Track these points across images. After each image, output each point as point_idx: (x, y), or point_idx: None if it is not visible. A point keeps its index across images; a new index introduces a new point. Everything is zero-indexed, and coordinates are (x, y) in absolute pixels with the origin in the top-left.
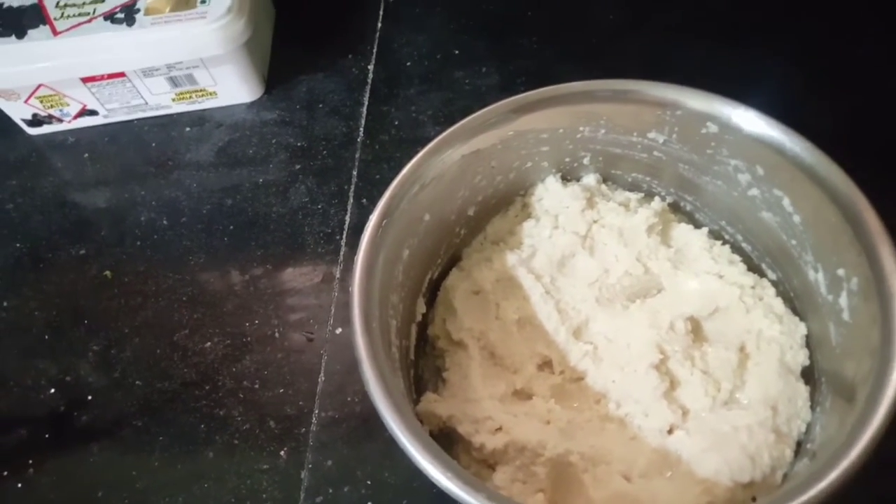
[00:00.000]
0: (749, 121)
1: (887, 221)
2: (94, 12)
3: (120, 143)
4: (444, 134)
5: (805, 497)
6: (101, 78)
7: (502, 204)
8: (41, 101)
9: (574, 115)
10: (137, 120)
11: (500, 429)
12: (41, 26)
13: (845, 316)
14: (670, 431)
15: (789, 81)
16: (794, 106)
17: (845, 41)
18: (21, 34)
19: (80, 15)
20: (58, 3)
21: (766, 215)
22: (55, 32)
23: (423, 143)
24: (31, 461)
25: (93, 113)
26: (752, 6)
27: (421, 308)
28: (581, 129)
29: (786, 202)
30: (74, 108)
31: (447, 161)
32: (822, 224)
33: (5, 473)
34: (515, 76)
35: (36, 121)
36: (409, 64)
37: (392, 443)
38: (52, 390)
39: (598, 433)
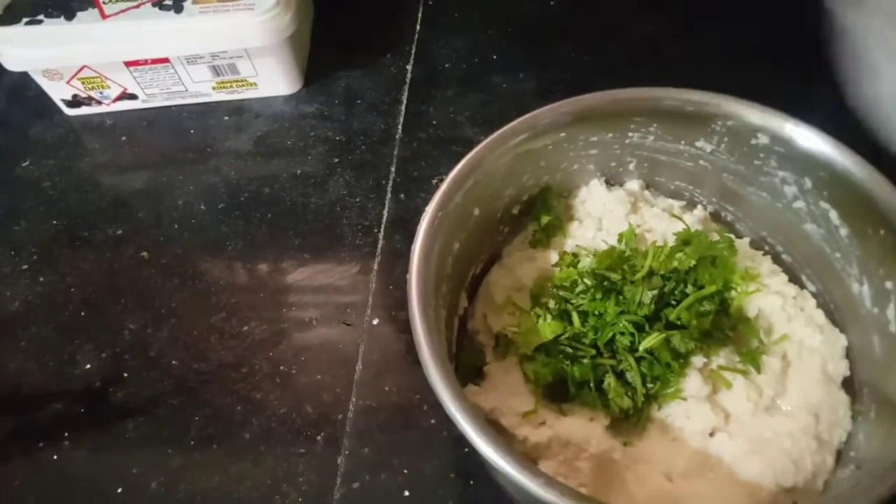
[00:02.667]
0: (801, 135)
1: None
2: None
3: (158, 128)
4: (500, 131)
5: None
6: (145, 63)
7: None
8: (83, 83)
9: (626, 122)
10: (176, 106)
11: (543, 423)
12: (90, 9)
13: (893, 328)
14: (712, 434)
15: (830, 97)
16: (843, 120)
17: None
18: (70, 16)
19: (128, 0)
20: None
21: (809, 227)
22: (103, 16)
23: (460, 142)
24: (66, 434)
25: (132, 97)
26: (794, 29)
27: (463, 302)
28: (631, 134)
29: (833, 215)
30: (115, 91)
31: (501, 158)
32: (871, 238)
33: (41, 445)
34: (552, 84)
35: (75, 102)
36: (447, 66)
37: (430, 432)
38: (88, 366)
39: (640, 432)
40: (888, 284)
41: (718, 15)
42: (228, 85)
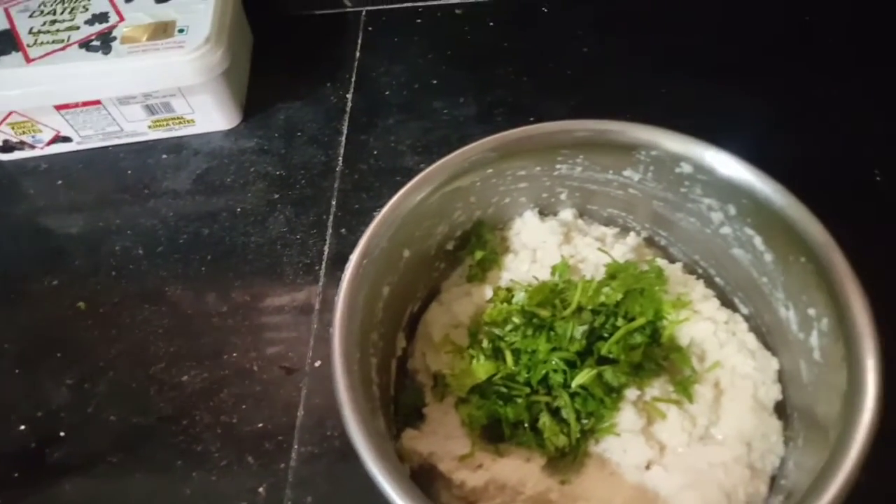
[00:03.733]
0: (722, 162)
1: (857, 264)
2: (68, 39)
3: (94, 170)
4: (423, 172)
5: None
6: (76, 105)
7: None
8: (12, 128)
9: (552, 154)
10: (112, 146)
11: (480, 466)
12: (13, 53)
13: (816, 355)
14: (648, 467)
15: (764, 120)
16: (769, 145)
17: (821, 82)
18: None
19: (54, 42)
20: (31, 29)
21: (737, 252)
22: (28, 60)
23: (401, 172)
24: None
25: (66, 139)
26: (726, 44)
27: (401, 343)
28: (558, 166)
29: (757, 241)
30: (47, 135)
31: (427, 198)
32: (793, 264)
33: None
34: (493, 107)
35: (7, 147)
36: (387, 93)
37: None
38: (23, 427)
39: (578, 469)
40: (810, 311)
41: (655, 31)
42: (165, 123)
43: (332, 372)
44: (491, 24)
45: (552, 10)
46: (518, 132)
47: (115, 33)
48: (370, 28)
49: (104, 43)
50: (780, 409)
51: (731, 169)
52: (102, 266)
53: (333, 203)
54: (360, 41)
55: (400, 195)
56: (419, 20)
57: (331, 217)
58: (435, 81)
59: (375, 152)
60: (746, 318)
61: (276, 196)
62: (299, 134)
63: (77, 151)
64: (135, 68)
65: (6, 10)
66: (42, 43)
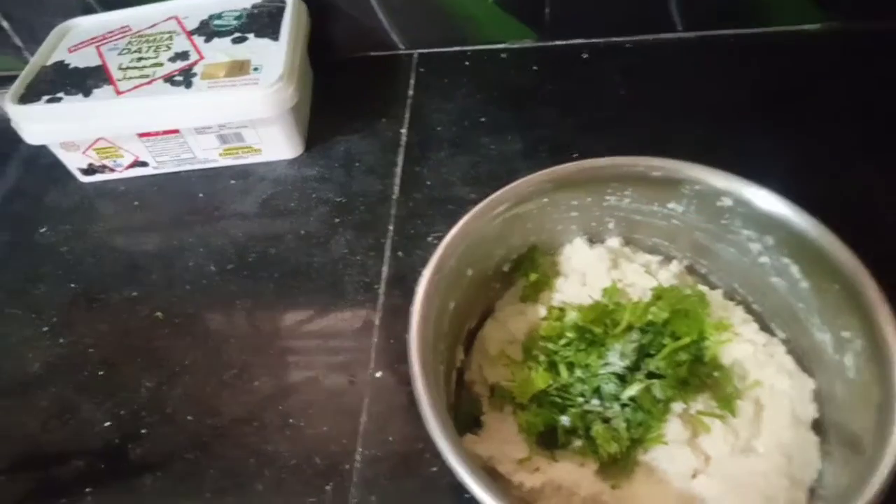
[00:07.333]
0: (761, 197)
1: (888, 290)
2: (154, 74)
3: (168, 193)
4: (489, 199)
5: None
6: (157, 134)
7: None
8: (98, 153)
9: (602, 186)
10: (185, 172)
11: (537, 469)
12: (105, 86)
13: (850, 374)
14: (694, 476)
15: (784, 158)
16: (803, 179)
17: (849, 119)
18: (87, 93)
19: (141, 77)
20: (120, 65)
21: (775, 280)
22: (118, 92)
23: (453, 202)
24: (87, 490)
25: (143, 164)
26: (743, 90)
27: (460, 355)
28: (607, 198)
29: (794, 270)
30: (127, 160)
31: (490, 223)
32: (828, 291)
33: (63, 501)
34: (537, 143)
35: (90, 170)
36: (439, 129)
37: (432, 479)
38: (107, 424)
39: (628, 475)
40: (844, 334)
41: (682, 81)
42: (234, 151)
43: (411, 373)
44: (534, 68)
45: (591, 57)
46: (573, 166)
47: (195, 70)
48: (422, 69)
49: (186, 78)
50: (818, 427)
51: (769, 203)
52: (177, 280)
53: (390, 228)
54: (412, 81)
55: (469, 218)
56: (467, 62)
57: (388, 241)
58: (483, 119)
59: (428, 183)
60: (783, 342)
61: (337, 220)
62: (357, 164)
63: (152, 175)
64: (213, 102)
65: (98, 49)
66: (130, 78)
